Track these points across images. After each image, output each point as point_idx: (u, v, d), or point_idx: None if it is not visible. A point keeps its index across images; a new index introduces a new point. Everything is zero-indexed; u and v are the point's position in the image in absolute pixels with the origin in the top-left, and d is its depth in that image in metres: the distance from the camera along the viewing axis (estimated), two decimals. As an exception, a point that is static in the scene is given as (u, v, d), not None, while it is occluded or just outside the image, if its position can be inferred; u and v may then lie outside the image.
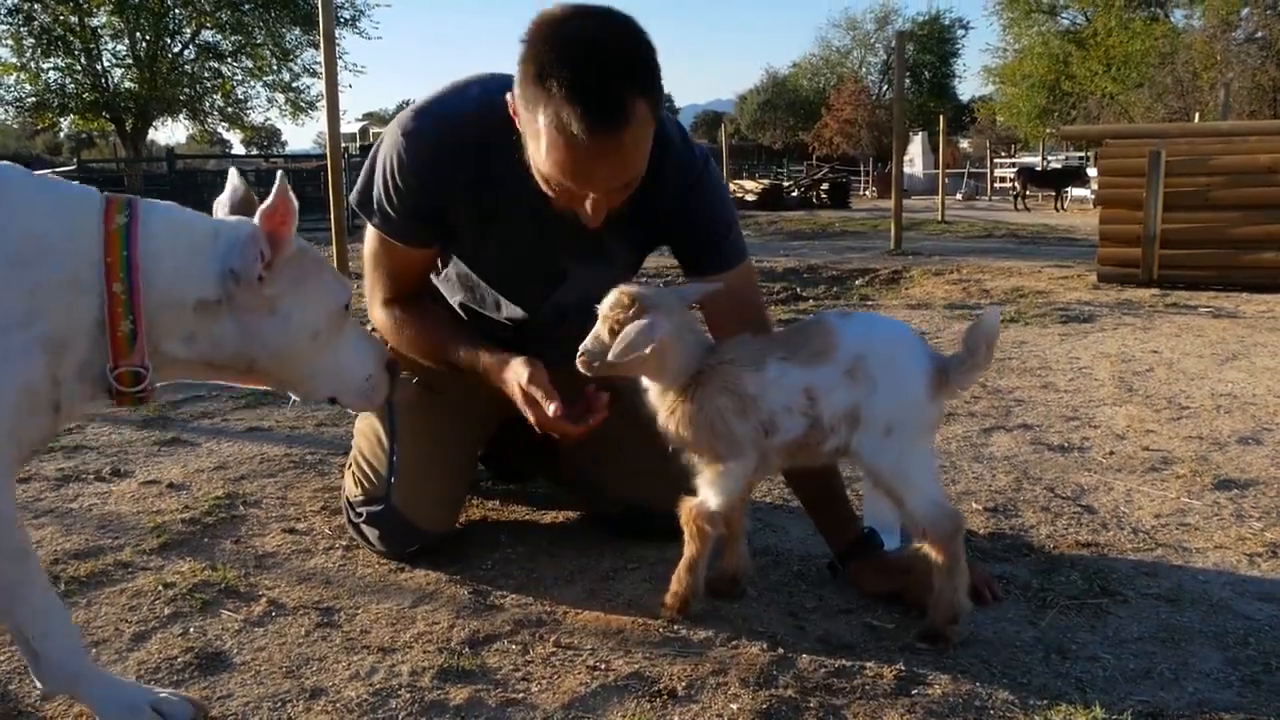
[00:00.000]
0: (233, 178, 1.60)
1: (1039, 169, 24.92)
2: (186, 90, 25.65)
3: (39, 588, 1.42)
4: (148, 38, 24.19)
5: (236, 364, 1.49)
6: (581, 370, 1.71)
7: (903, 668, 1.63)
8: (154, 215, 1.40)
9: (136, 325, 1.36)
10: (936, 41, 52.00)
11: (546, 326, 2.06)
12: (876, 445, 1.67)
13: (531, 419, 1.83)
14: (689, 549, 1.78)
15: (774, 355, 1.70)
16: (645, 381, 1.77)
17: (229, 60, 25.73)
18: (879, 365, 1.66)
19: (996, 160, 32.04)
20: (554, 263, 1.99)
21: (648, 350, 1.61)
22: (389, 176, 1.86)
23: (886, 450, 1.67)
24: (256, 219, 1.42)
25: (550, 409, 1.76)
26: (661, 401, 1.75)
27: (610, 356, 1.62)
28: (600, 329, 1.69)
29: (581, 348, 1.71)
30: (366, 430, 2.15)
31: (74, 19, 23.17)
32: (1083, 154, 27.85)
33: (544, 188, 1.72)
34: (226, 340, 1.45)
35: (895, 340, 1.73)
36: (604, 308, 1.69)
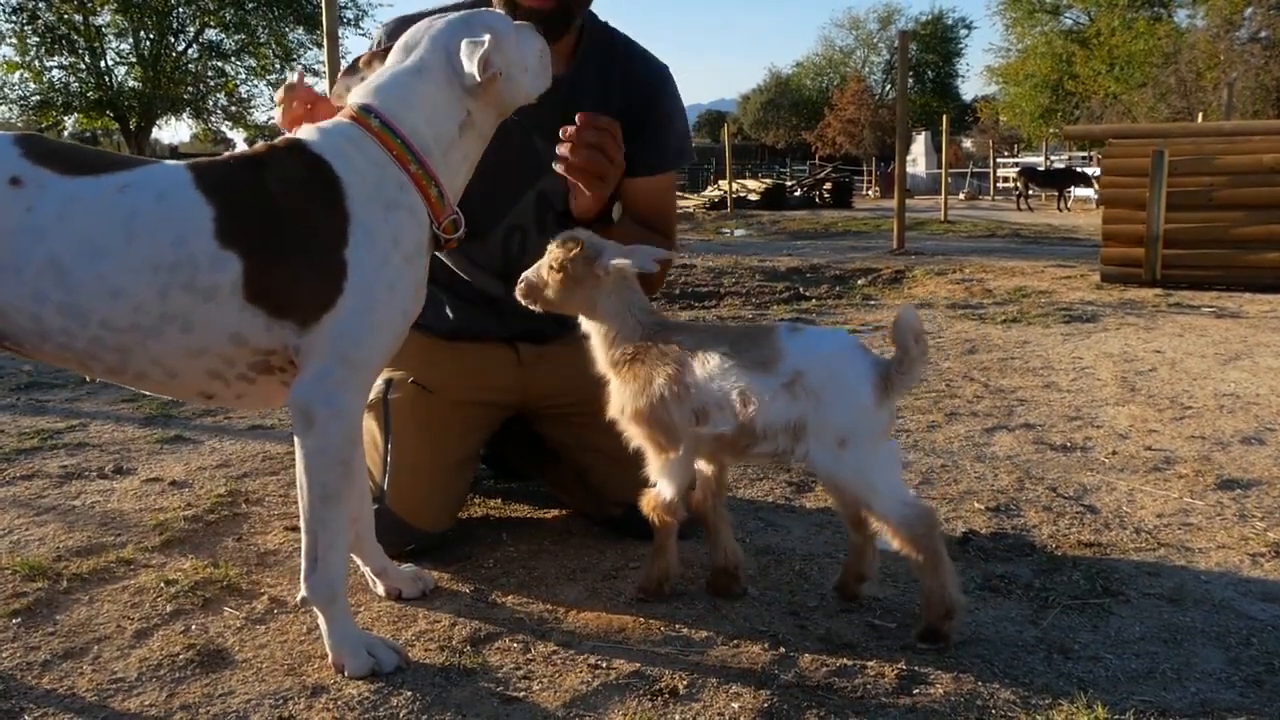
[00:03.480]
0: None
1: (1041, 168, 24.91)
2: (190, 89, 25.64)
3: (348, 506, 1.65)
4: (152, 36, 24.20)
5: (492, 130, 1.77)
6: (519, 297, 1.85)
7: (904, 667, 1.63)
8: (388, 100, 1.64)
9: (440, 186, 1.64)
10: (940, 41, 51.98)
11: (532, 223, 2.17)
12: (832, 457, 1.67)
13: None
14: (657, 537, 1.87)
15: (719, 348, 1.73)
16: (600, 364, 1.83)
17: (232, 59, 25.74)
18: (822, 380, 1.67)
19: (999, 160, 32.02)
20: (528, 142, 2.10)
21: (563, 289, 1.77)
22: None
23: (844, 461, 1.67)
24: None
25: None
26: (613, 380, 1.82)
27: (526, 278, 1.78)
28: (544, 263, 1.81)
29: (523, 277, 1.84)
30: (363, 430, 2.15)
31: (78, 18, 23.17)
32: (1086, 153, 27.84)
33: None
34: (486, 127, 1.74)
35: (838, 354, 1.72)
36: (552, 246, 1.81)
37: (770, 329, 1.78)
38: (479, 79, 1.60)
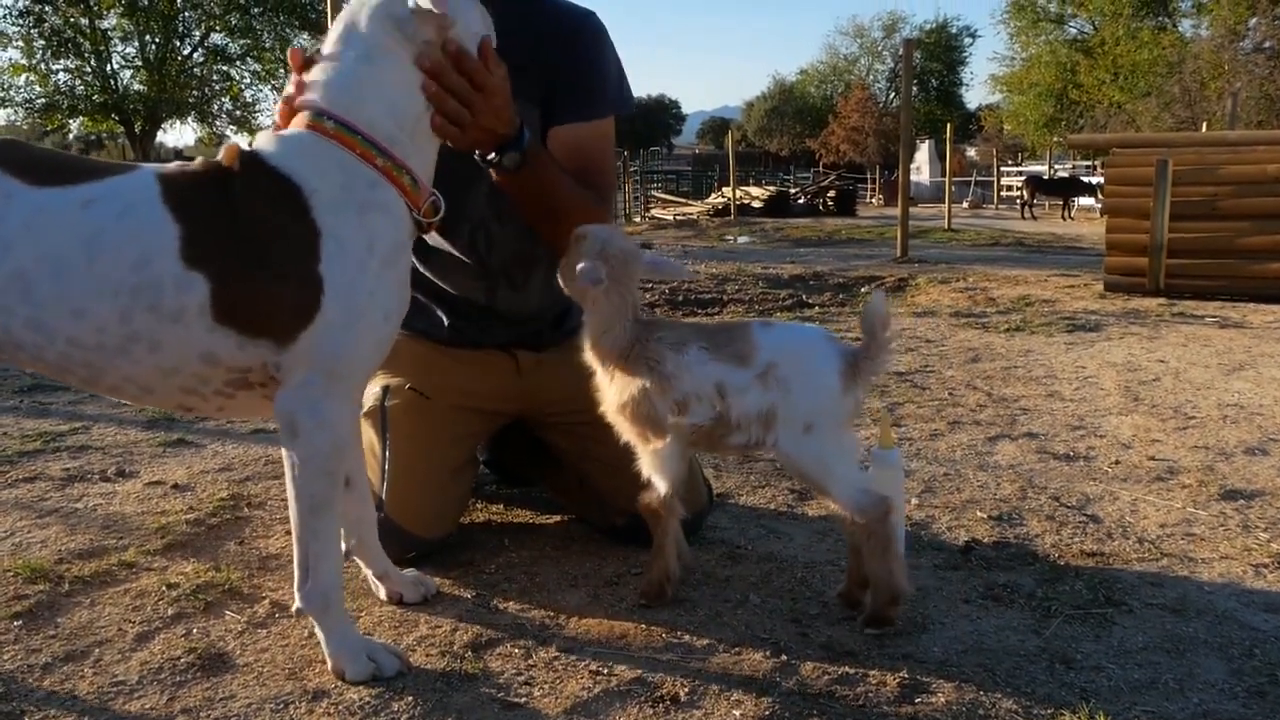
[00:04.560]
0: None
1: (1046, 177, 24.93)
2: (195, 93, 25.74)
3: (337, 515, 1.64)
4: (157, 40, 24.31)
5: None
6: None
7: (906, 676, 1.63)
8: (340, 97, 1.58)
9: (411, 173, 1.61)
10: (944, 49, 52.08)
11: (492, 217, 2.11)
12: (797, 442, 1.74)
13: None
14: (655, 537, 1.88)
15: (697, 342, 1.79)
16: (588, 354, 1.86)
17: (237, 64, 25.83)
18: (792, 369, 1.74)
19: (1003, 168, 32.02)
20: None
21: (582, 286, 1.77)
22: None
23: (808, 446, 1.74)
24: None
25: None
26: (601, 375, 1.85)
27: (561, 280, 1.81)
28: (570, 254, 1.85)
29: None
30: (361, 438, 2.15)
31: (84, 21, 23.28)
32: (1089, 163, 27.85)
33: None
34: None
35: (806, 344, 1.81)
36: (571, 240, 1.83)
37: (745, 325, 1.84)
38: (436, 9, 1.56)
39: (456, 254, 2.15)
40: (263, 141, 1.59)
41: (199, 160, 1.62)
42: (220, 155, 1.59)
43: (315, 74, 1.63)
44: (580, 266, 1.76)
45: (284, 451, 1.58)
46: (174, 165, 1.59)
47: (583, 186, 2.01)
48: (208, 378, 1.54)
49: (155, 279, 1.46)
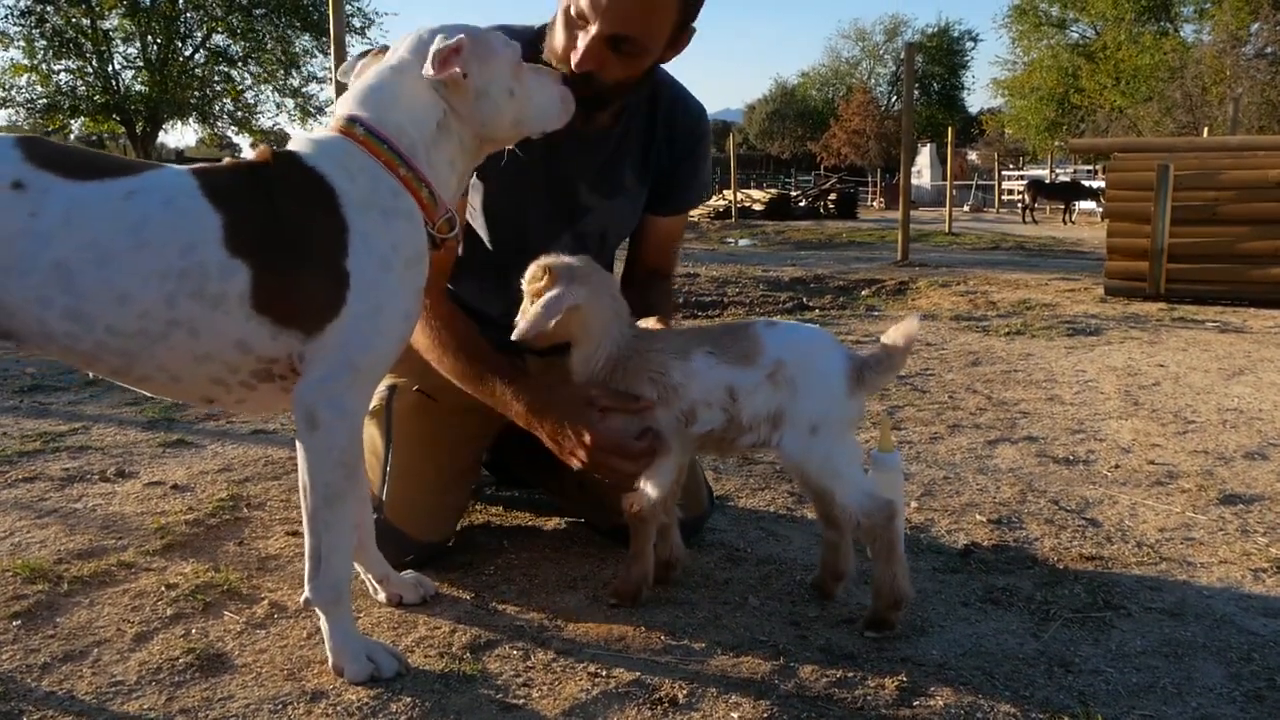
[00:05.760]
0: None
1: (1047, 181, 24.94)
2: (196, 94, 25.77)
3: (351, 508, 1.65)
4: (159, 41, 24.34)
5: (478, 153, 1.76)
6: (516, 341, 1.80)
7: (904, 679, 1.63)
8: (371, 103, 1.64)
9: (430, 187, 1.65)
10: (945, 53, 52.13)
11: (583, 248, 2.16)
12: (803, 444, 1.74)
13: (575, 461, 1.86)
14: (634, 541, 1.89)
15: (701, 349, 1.78)
16: (575, 368, 1.85)
17: (239, 65, 25.86)
18: (798, 370, 1.74)
19: (1004, 172, 32.02)
20: (572, 191, 2.12)
21: (552, 322, 1.73)
22: None
23: (813, 448, 1.74)
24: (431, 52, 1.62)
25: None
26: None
27: (521, 328, 1.74)
28: (525, 302, 1.81)
29: (517, 329, 1.79)
30: (364, 438, 2.15)
31: (86, 22, 23.30)
32: (1091, 167, 27.87)
33: (560, 39, 1.88)
34: (466, 140, 1.71)
35: (813, 345, 1.81)
36: (524, 280, 1.81)
37: (747, 325, 1.84)
38: (433, 72, 1.59)
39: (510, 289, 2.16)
40: (297, 143, 1.65)
41: (227, 160, 1.65)
42: (253, 154, 1.63)
43: (353, 85, 1.70)
44: (547, 297, 1.73)
45: (299, 443, 1.60)
46: (200, 165, 1.63)
47: (660, 256, 2.34)
48: (237, 366, 1.57)
49: (201, 264, 1.49)
